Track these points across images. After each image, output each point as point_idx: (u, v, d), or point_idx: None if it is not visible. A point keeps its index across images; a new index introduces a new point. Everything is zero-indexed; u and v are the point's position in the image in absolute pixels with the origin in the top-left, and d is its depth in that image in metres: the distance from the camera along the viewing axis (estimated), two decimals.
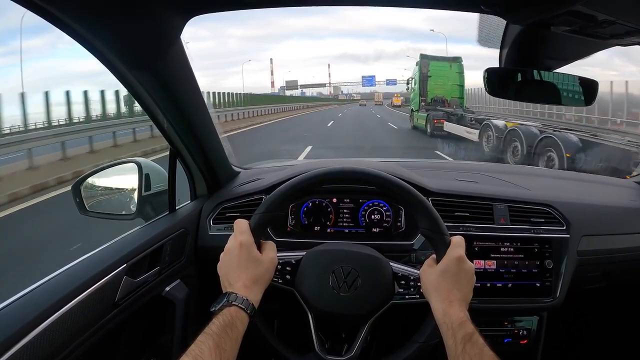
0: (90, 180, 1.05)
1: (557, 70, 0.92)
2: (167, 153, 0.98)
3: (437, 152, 7.96)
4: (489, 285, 0.95)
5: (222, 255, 0.69)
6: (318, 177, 0.75)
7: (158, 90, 0.78)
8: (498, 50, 0.83)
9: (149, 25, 0.66)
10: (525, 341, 1.00)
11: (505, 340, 1.00)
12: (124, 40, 0.66)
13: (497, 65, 0.85)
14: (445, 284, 0.65)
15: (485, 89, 0.83)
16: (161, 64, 0.73)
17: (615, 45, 0.85)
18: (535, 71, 0.90)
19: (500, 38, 0.82)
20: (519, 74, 0.90)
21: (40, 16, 0.56)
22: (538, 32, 0.79)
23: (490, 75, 0.83)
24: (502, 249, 0.96)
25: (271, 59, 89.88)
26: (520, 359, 1.02)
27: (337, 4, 0.74)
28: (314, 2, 0.65)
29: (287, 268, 0.75)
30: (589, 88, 0.91)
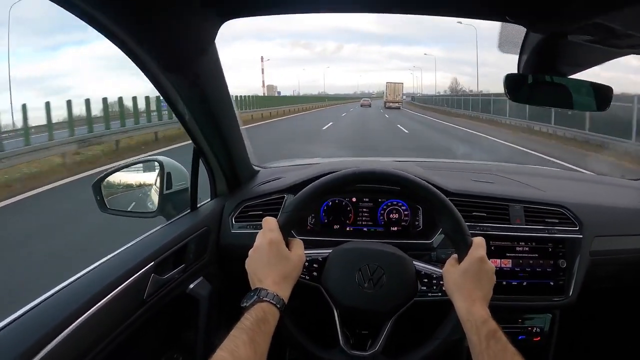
0: (110, 178, 1.06)
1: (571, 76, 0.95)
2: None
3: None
4: (504, 283, 0.97)
5: (251, 251, 0.70)
6: (348, 178, 0.76)
7: (189, 92, 0.80)
8: (512, 56, 0.85)
9: (184, 29, 0.67)
10: (538, 338, 1.03)
11: (520, 338, 1.02)
12: (158, 42, 0.66)
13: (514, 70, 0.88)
14: (467, 283, 0.67)
15: (505, 94, 0.85)
16: (195, 67, 0.75)
17: (630, 54, 0.88)
18: (549, 77, 0.93)
19: (519, 44, 0.85)
20: (534, 78, 0.93)
21: (76, 15, 0.56)
22: (557, 40, 0.82)
23: (509, 81, 0.85)
24: (517, 248, 0.99)
25: None
26: (533, 355, 1.04)
27: (365, 11, 0.75)
28: (349, 10, 0.67)
29: (314, 265, 0.77)
30: (602, 94, 0.94)
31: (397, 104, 36.58)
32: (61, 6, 0.55)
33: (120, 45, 0.64)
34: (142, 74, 0.73)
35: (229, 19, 0.70)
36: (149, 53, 0.68)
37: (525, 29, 0.82)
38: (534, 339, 1.02)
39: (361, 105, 38.07)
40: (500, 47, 0.88)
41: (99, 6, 0.56)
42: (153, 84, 0.77)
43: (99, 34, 0.61)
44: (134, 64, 0.70)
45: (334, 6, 0.67)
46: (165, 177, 1.02)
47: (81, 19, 0.58)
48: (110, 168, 1.06)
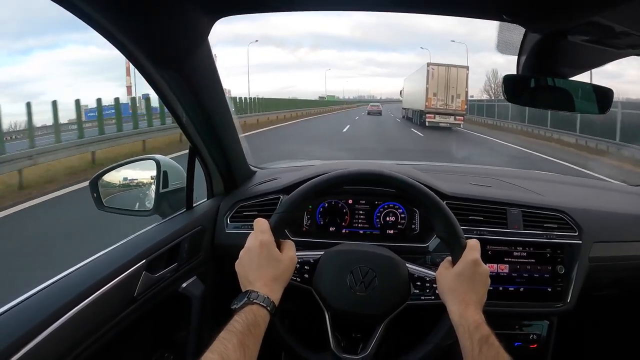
0: (107, 176, 1.06)
1: (572, 78, 0.94)
2: None
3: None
4: (501, 288, 0.96)
5: (241, 253, 0.69)
6: (339, 178, 0.76)
7: (183, 89, 0.80)
8: (512, 57, 0.84)
9: (177, 25, 0.67)
10: (535, 345, 1.01)
11: (516, 344, 1.00)
12: (151, 39, 0.67)
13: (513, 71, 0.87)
14: (461, 286, 0.66)
15: (503, 95, 0.84)
16: (188, 64, 0.75)
17: (630, 55, 0.86)
18: (550, 78, 0.91)
19: (518, 45, 0.83)
20: (534, 81, 0.92)
21: (70, 11, 0.57)
22: (556, 41, 0.80)
23: (508, 82, 0.84)
24: (514, 253, 0.97)
25: None
26: None
27: (363, 9, 0.75)
28: (341, 8, 0.67)
29: (306, 267, 0.77)
30: (603, 96, 0.93)
31: (451, 121, 15.46)
32: (60, 5, 0.55)
33: (114, 42, 0.65)
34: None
35: (222, 17, 0.71)
36: (142, 49, 0.68)
37: (523, 29, 0.81)
38: (531, 346, 1.00)
39: (368, 113, 27.57)
40: (499, 48, 0.87)
41: (94, 4, 0.56)
42: (147, 82, 0.77)
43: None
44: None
45: (325, 4, 0.66)
46: (162, 176, 1.03)
47: (80, 18, 0.58)
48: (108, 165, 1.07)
